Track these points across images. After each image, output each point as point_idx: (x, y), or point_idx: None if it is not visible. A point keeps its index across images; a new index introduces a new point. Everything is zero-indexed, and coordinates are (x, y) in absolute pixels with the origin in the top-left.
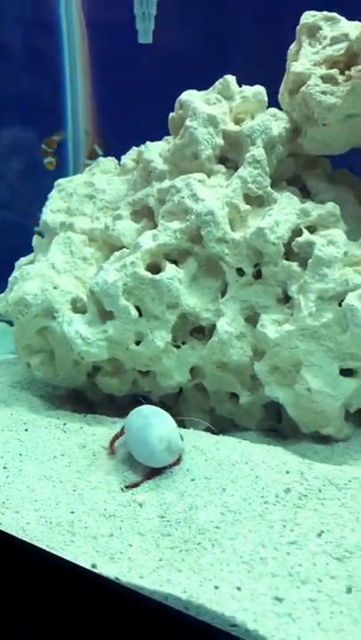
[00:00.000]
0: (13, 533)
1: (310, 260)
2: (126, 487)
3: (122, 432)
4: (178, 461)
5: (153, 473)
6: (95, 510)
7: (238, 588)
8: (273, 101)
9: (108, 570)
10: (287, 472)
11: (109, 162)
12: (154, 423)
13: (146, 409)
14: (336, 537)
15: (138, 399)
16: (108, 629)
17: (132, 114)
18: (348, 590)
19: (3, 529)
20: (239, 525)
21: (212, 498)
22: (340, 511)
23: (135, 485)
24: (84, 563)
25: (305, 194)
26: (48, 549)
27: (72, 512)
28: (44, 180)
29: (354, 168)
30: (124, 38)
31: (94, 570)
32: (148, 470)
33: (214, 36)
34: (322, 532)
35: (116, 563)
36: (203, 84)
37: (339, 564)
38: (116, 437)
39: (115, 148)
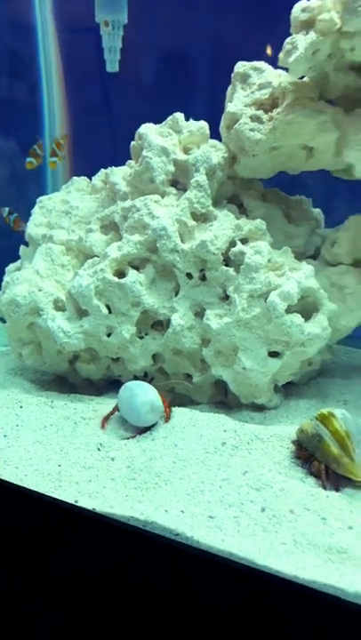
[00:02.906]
0: (14, 482)
1: (242, 266)
2: (126, 439)
3: (113, 412)
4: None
5: (143, 430)
6: (77, 464)
7: (182, 511)
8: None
9: (87, 503)
10: (224, 431)
11: (83, 181)
12: (138, 393)
13: (131, 383)
14: (256, 475)
15: (112, 381)
16: (86, 546)
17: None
18: (263, 510)
19: (6, 479)
20: (186, 470)
21: (167, 451)
22: (262, 457)
23: (133, 437)
24: (69, 499)
25: (242, 210)
26: (41, 492)
27: (59, 465)
28: (29, 186)
29: (294, 182)
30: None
31: (77, 504)
32: (139, 429)
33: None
34: (246, 471)
35: (93, 499)
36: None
37: (257, 493)
38: (109, 415)
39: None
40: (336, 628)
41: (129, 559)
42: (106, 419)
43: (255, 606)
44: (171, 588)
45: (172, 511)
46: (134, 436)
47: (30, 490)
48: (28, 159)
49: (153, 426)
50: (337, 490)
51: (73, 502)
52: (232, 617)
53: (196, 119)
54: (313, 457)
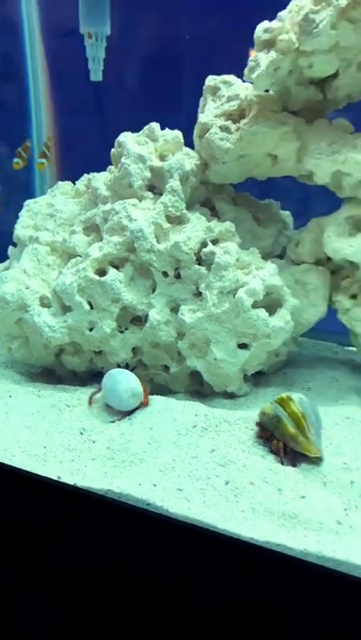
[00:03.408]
0: (4, 461)
1: (213, 265)
2: (112, 422)
3: (97, 391)
4: (141, 405)
5: (126, 413)
6: (61, 446)
7: (154, 485)
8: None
9: (69, 480)
10: (196, 415)
11: (67, 185)
12: (120, 380)
13: (114, 371)
14: (222, 453)
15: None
16: (68, 518)
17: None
18: (226, 483)
19: None
20: (159, 450)
21: (143, 434)
22: (229, 438)
23: (118, 419)
24: (53, 476)
25: (214, 213)
26: (28, 470)
27: (45, 447)
28: (16, 189)
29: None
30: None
31: (60, 480)
32: (122, 413)
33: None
34: (213, 450)
35: (75, 476)
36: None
37: (222, 468)
38: (94, 394)
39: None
40: (288, 584)
41: (106, 529)
42: (91, 398)
43: (233, 571)
44: (140, 554)
45: (144, 485)
46: (120, 419)
47: (18, 468)
48: (15, 160)
49: (134, 410)
50: (294, 465)
51: (56, 478)
52: (216, 582)
53: (173, 128)
54: (273, 436)
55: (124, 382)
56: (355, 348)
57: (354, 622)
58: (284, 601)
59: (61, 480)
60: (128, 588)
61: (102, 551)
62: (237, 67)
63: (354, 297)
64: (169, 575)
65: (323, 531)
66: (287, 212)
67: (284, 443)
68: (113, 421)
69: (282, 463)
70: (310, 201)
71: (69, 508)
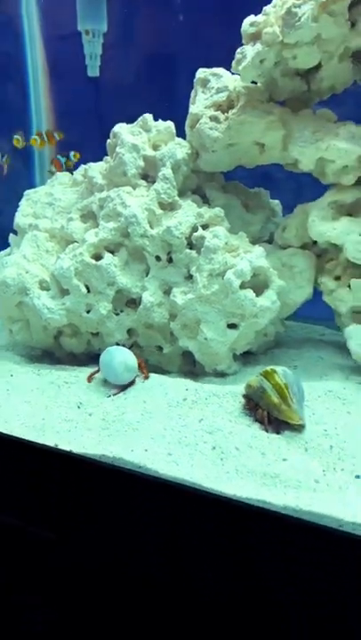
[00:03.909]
0: (4, 432)
1: (202, 249)
2: (108, 396)
3: (97, 371)
4: (134, 381)
5: (123, 387)
6: (59, 418)
7: (146, 450)
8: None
9: (65, 447)
10: (186, 389)
11: (65, 176)
12: (115, 355)
13: (111, 348)
14: (210, 422)
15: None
16: (64, 482)
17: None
18: (213, 448)
19: None
20: (152, 420)
21: (137, 406)
22: (217, 409)
23: (116, 393)
24: (50, 444)
25: (205, 200)
26: (28, 439)
27: (43, 419)
28: (17, 180)
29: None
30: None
31: (57, 447)
32: (118, 387)
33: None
34: (202, 419)
35: (72, 444)
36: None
37: (209, 435)
38: (94, 373)
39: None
40: (269, 537)
41: (101, 491)
42: (90, 376)
43: (218, 525)
44: (129, 514)
45: (137, 450)
46: (116, 393)
47: (18, 437)
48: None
49: (130, 384)
50: (277, 433)
51: (53, 446)
52: (204, 538)
53: (166, 119)
54: (258, 406)
55: (119, 356)
56: (340, 330)
57: (329, 569)
58: (266, 553)
59: (59, 447)
60: (124, 560)
61: (93, 520)
62: (228, 60)
63: (338, 279)
64: (161, 538)
65: (301, 488)
66: (276, 201)
67: (268, 412)
68: (109, 396)
69: (266, 431)
70: (301, 191)
71: (66, 472)
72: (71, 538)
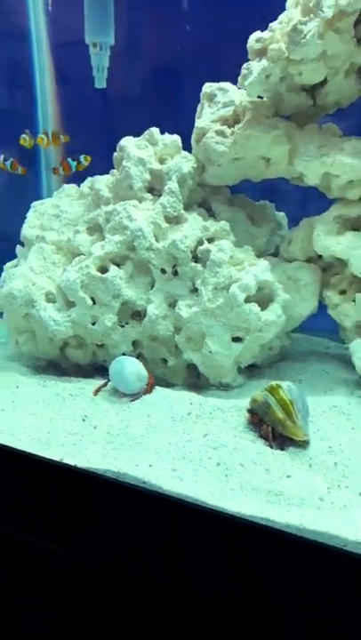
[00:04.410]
0: (10, 445)
1: (208, 262)
2: (131, 401)
3: (105, 383)
4: (148, 389)
5: (136, 396)
6: (64, 431)
7: (150, 465)
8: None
9: (70, 461)
10: (191, 403)
11: (72, 188)
12: (126, 365)
13: (121, 358)
14: (215, 437)
15: (98, 367)
16: (68, 496)
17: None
18: (217, 464)
19: (3, 443)
20: (156, 434)
21: (141, 420)
22: (222, 424)
23: (132, 400)
24: (55, 457)
25: (211, 213)
26: (33, 452)
27: (48, 432)
28: (25, 192)
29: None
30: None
31: (62, 461)
32: (131, 395)
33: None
34: (206, 434)
35: (76, 458)
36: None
37: (214, 451)
38: (101, 386)
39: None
40: (271, 555)
41: (105, 505)
42: (98, 388)
43: (220, 543)
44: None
45: (141, 465)
46: (133, 400)
47: (23, 451)
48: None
49: (145, 392)
50: (282, 449)
51: (58, 460)
52: (206, 554)
53: (172, 133)
54: (262, 421)
55: (130, 366)
56: (345, 344)
57: (331, 588)
58: (268, 570)
59: (64, 461)
60: (123, 568)
61: (98, 534)
62: (234, 74)
63: (343, 293)
64: (164, 552)
65: (305, 506)
66: (282, 214)
67: (273, 427)
68: (131, 400)
69: (271, 447)
70: (308, 204)
71: (70, 487)
72: (74, 550)
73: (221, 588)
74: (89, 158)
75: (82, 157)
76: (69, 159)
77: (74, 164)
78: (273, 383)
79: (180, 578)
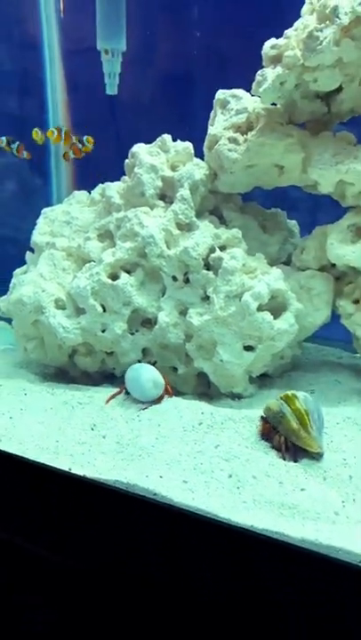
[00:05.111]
0: (18, 454)
1: (220, 270)
2: (141, 410)
3: (119, 391)
4: (162, 396)
5: (152, 403)
6: (73, 440)
7: (161, 477)
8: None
9: (79, 471)
10: (202, 413)
11: (82, 195)
12: (142, 372)
13: (136, 365)
14: (227, 448)
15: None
16: (77, 507)
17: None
18: (230, 476)
19: (11, 452)
20: (166, 444)
21: (151, 430)
22: (233, 435)
23: (144, 408)
24: (64, 467)
25: (223, 221)
26: (41, 462)
27: (57, 441)
28: (35, 198)
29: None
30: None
31: (70, 471)
32: (147, 403)
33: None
34: (218, 445)
35: (85, 468)
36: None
37: (226, 463)
38: (115, 394)
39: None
40: (285, 570)
41: (114, 517)
42: (111, 397)
43: (233, 557)
44: (152, 542)
45: (152, 477)
46: (145, 408)
47: (31, 460)
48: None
49: (160, 400)
50: (295, 461)
51: (67, 470)
52: (216, 569)
53: (184, 140)
54: (275, 430)
55: (146, 373)
56: (358, 353)
57: (346, 605)
58: (280, 587)
59: (72, 471)
60: (129, 581)
61: (105, 546)
62: (246, 81)
63: (356, 302)
64: (169, 566)
65: (320, 520)
66: (294, 222)
67: (287, 438)
68: (142, 409)
69: (284, 459)
70: (319, 212)
71: (79, 498)
72: (78, 558)
73: (233, 605)
74: (91, 140)
75: (85, 139)
76: (73, 138)
77: (80, 146)
78: (289, 392)
79: (181, 583)
